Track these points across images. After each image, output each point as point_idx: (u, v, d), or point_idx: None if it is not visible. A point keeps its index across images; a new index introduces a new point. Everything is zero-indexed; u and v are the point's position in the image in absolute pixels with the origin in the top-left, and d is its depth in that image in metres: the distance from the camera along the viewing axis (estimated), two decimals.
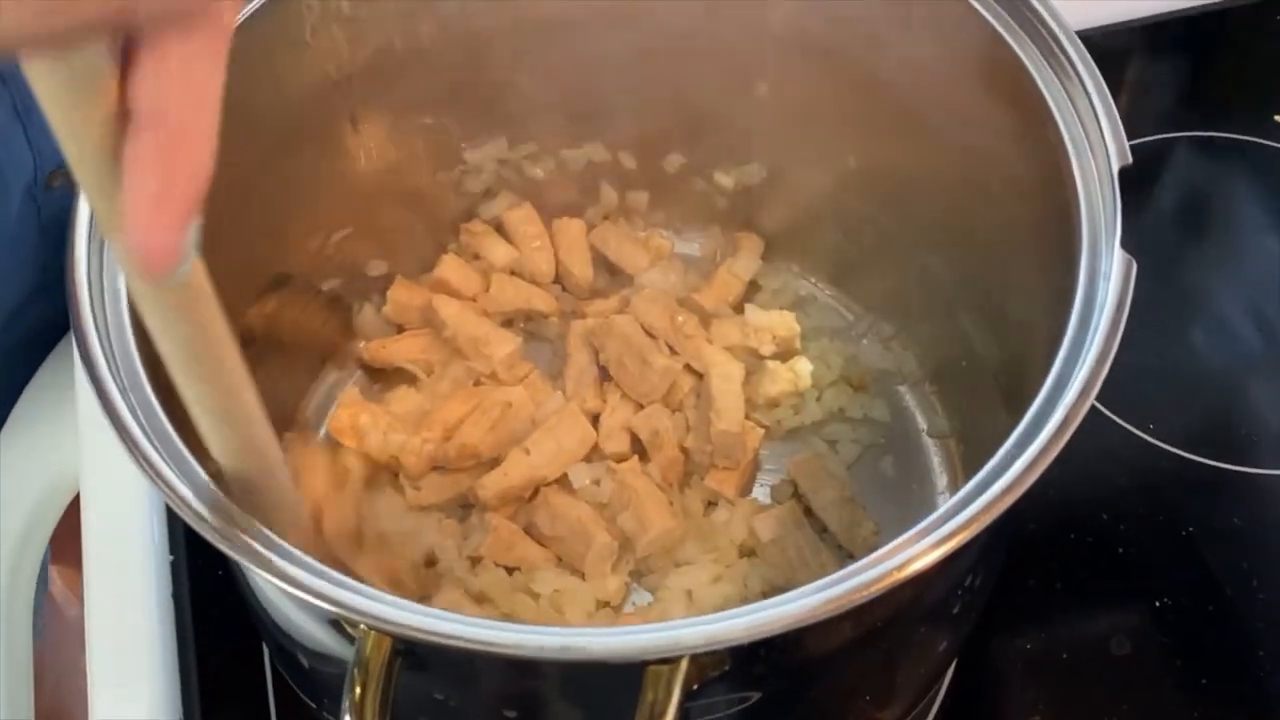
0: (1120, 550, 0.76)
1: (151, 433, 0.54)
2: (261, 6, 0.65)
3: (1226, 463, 0.80)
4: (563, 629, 0.48)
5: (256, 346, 0.72)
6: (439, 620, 0.48)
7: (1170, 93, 1.02)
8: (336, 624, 0.55)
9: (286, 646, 0.63)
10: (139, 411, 0.54)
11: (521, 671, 0.52)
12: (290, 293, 0.77)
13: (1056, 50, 0.61)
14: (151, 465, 0.52)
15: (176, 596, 0.75)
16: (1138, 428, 0.81)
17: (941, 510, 0.50)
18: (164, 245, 0.37)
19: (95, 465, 0.81)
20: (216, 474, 0.53)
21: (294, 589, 0.50)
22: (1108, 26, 1.00)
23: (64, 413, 0.83)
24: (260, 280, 0.74)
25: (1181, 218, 0.93)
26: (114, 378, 0.55)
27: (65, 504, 0.86)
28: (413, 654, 0.50)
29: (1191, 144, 0.97)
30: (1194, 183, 0.96)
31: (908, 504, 0.77)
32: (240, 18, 0.64)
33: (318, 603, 0.49)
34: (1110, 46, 0.99)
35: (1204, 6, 1.02)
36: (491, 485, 0.75)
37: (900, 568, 0.48)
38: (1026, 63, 0.62)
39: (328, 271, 0.80)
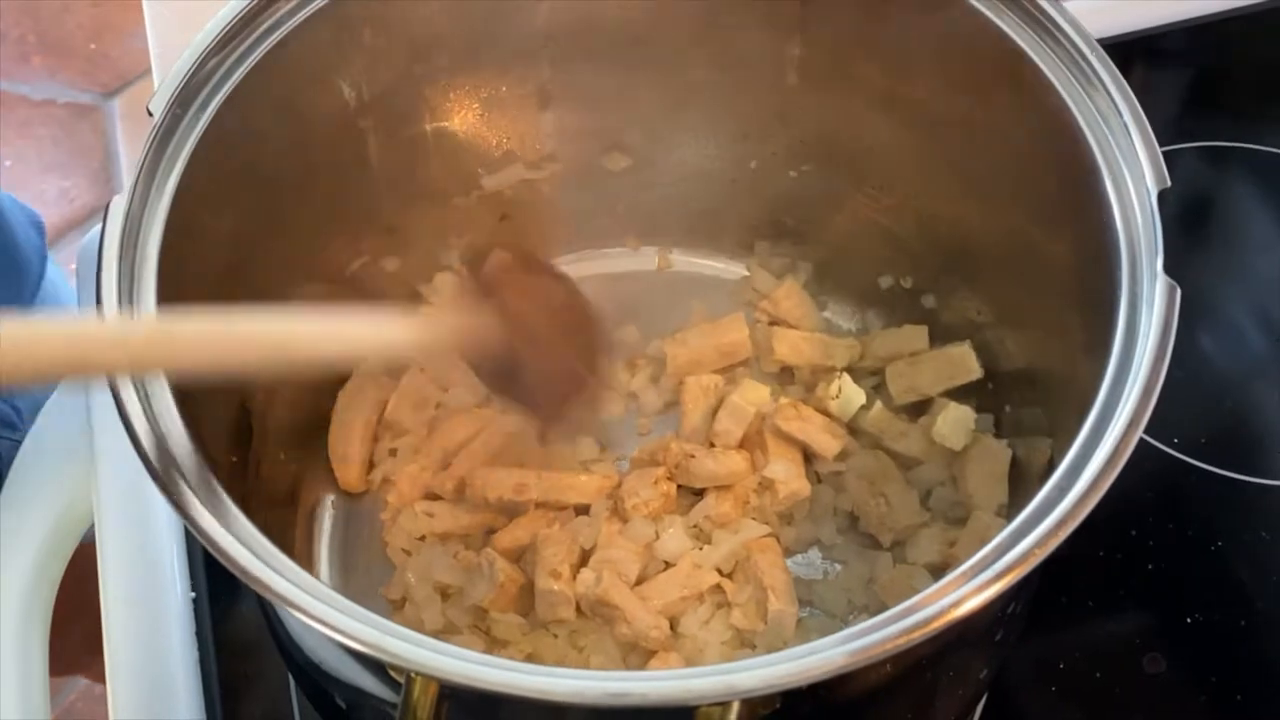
0: (1150, 566, 0.76)
1: (187, 474, 0.53)
2: (283, 39, 0.64)
3: (1251, 475, 0.79)
4: (617, 674, 0.48)
5: None
6: (492, 669, 0.47)
7: (1176, 103, 1.02)
8: (379, 667, 0.54)
9: (322, 686, 0.63)
10: (171, 449, 0.54)
11: (573, 715, 0.51)
12: None
13: (1088, 72, 0.61)
14: (190, 513, 0.52)
15: (199, 634, 0.74)
16: (1162, 442, 0.80)
17: (993, 545, 0.50)
18: None
19: (112, 497, 0.80)
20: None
21: (338, 634, 0.49)
22: (1112, 38, 0.99)
23: (78, 442, 0.82)
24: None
25: (1196, 230, 0.93)
26: (144, 415, 0.54)
27: (80, 535, 0.85)
28: (460, 698, 0.50)
29: (1199, 154, 0.96)
30: (1204, 193, 0.96)
31: None
32: (262, 51, 0.63)
33: (364, 649, 0.49)
34: (1117, 58, 0.99)
35: (1208, 16, 1.02)
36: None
37: (956, 604, 0.48)
38: (1058, 84, 0.62)
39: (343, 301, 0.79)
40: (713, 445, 0.78)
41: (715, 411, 0.78)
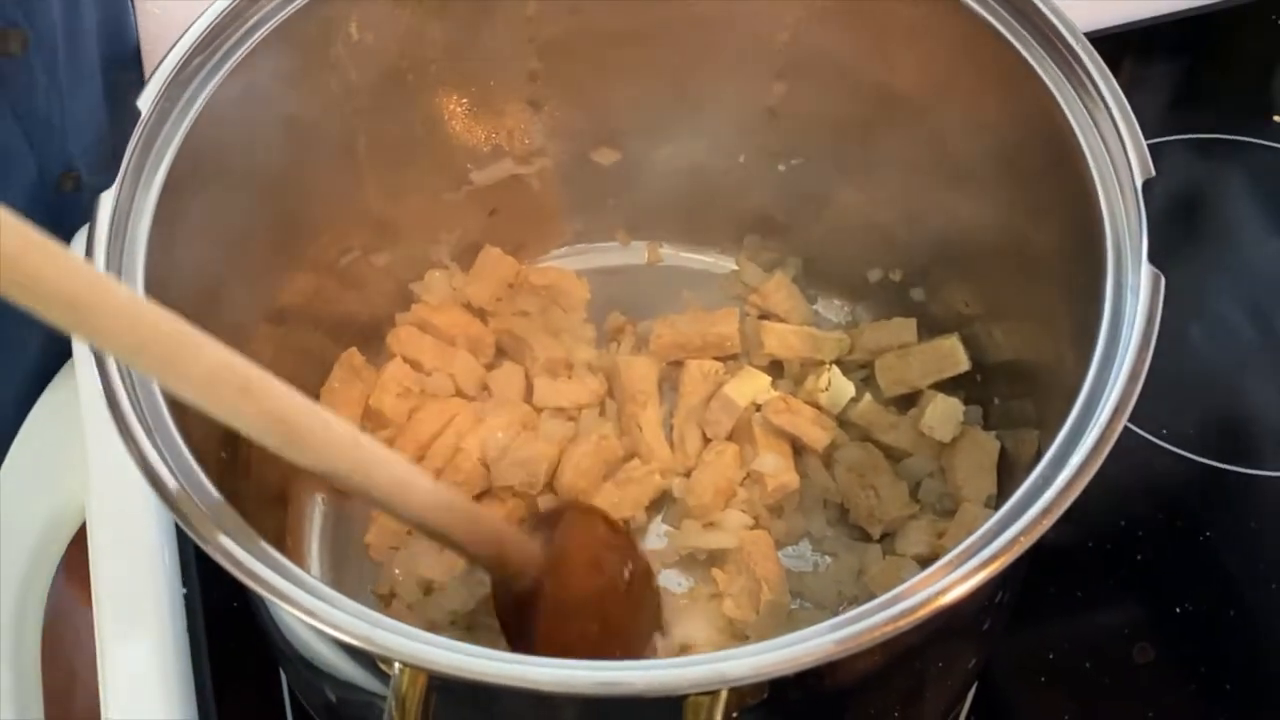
0: (1139, 557, 0.76)
1: (177, 470, 0.53)
2: (269, 34, 0.64)
3: (1239, 466, 0.80)
4: (607, 663, 0.48)
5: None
6: (481, 660, 0.47)
7: (1166, 96, 1.02)
8: (368, 659, 0.54)
9: (311, 680, 0.63)
10: (161, 445, 0.54)
11: (561, 704, 0.51)
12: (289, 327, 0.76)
13: (1073, 63, 0.61)
14: (181, 508, 0.52)
15: (191, 630, 0.74)
16: (1150, 433, 0.81)
17: (979, 533, 0.50)
18: None
19: (103, 495, 0.80)
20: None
21: (327, 627, 0.49)
22: (1100, 31, 1.00)
23: (69, 440, 0.82)
24: (266, 308, 0.73)
25: (1183, 223, 0.93)
26: (134, 411, 0.54)
27: (72, 533, 0.85)
28: (449, 688, 0.50)
29: (1189, 146, 0.97)
30: (1192, 186, 0.96)
31: None
32: (251, 44, 0.64)
33: (352, 641, 0.49)
34: (1105, 51, 0.99)
35: (1195, 9, 1.03)
36: None
37: (943, 592, 0.48)
38: (1043, 76, 0.62)
39: (332, 296, 0.79)
40: (704, 433, 0.78)
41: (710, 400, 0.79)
